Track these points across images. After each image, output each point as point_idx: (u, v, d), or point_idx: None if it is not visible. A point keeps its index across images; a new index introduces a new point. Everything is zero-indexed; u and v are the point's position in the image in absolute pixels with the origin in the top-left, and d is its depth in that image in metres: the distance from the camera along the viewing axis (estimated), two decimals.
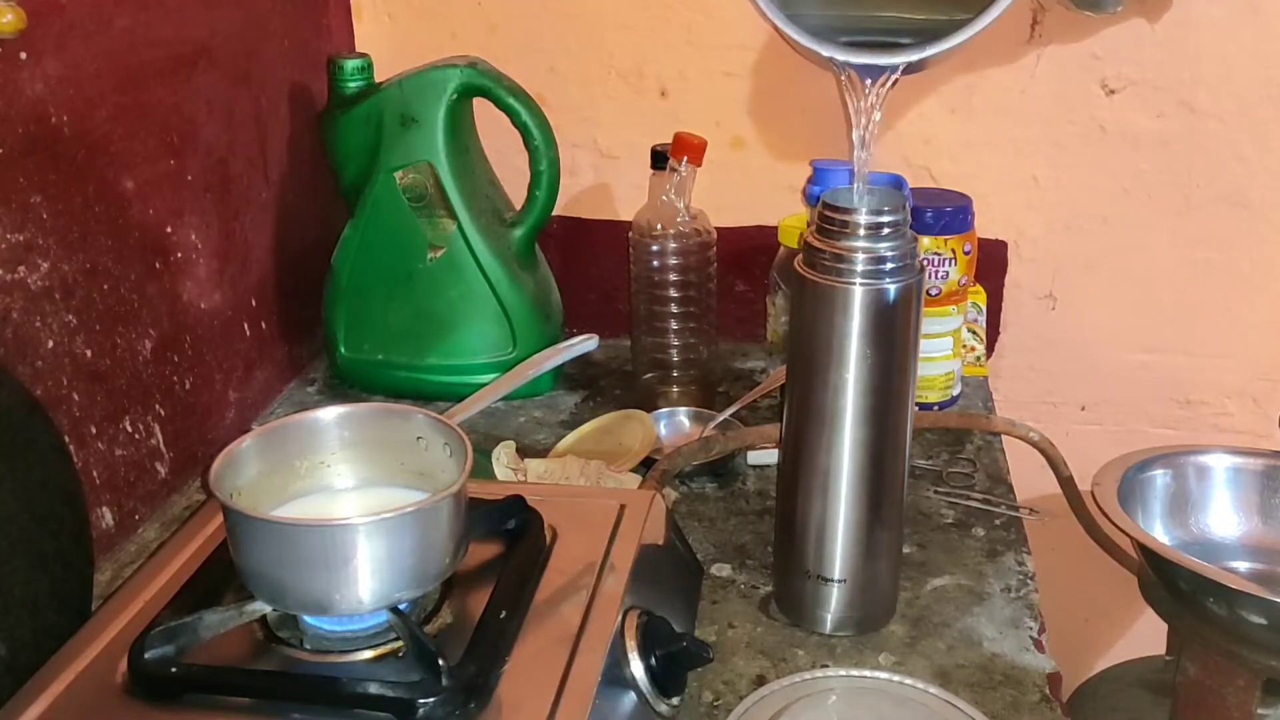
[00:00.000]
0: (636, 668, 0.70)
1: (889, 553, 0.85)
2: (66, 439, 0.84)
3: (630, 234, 1.15)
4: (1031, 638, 0.85)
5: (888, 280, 0.76)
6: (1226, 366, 1.32)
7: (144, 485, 0.99)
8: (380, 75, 1.19)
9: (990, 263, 1.28)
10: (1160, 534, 1.02)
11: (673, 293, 1.14)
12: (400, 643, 0.67)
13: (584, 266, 1.36)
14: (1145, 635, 1.29)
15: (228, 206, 1.12)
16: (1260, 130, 1.22)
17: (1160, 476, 1.04)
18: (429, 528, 0.68)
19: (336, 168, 1.21)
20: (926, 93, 1.26)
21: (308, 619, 0.69)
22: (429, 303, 1.19)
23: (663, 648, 0.71)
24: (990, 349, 1.33)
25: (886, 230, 0.76)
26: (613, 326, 1.30)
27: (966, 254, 1.15)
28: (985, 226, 1.24)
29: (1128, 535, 0.94)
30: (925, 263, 0.82)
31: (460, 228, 1.16)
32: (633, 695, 0.70)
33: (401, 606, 0.68)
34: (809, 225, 0.80)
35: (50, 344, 0.86)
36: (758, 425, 1.09)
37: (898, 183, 1.18)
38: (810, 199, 1.20)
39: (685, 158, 1.10)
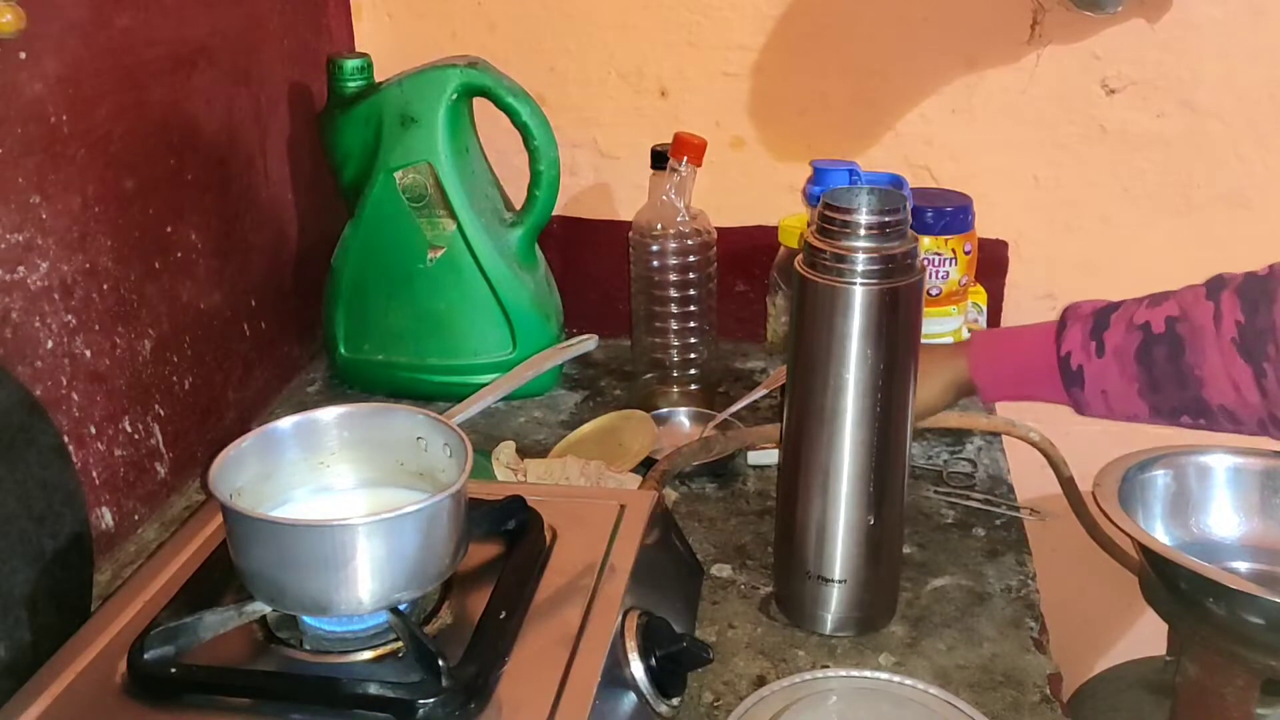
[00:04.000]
0: (636, 668, 0.70)
1: (889, 553, 0.85)
2: (66, 439, 0.84)
3: (630, 234, 1.15)
4: (1032, 638, 0.85)
5: (888, 280, 0.76)
6: None
7: (144, 485, 0.99)
8: (380, 75, 1.19)
9: (991, 263, 1.28)
10: (1161, 534, 1.02)
11: (673, 293, 1.14)
12: (400, 643, 0.67)
13: (584, 266, 1.36)
14: (1145, 636, 1.29)
15: (228, 206, 1.12)
16: (1260, 130, 1.22)
17: (1161, 477, 1.03)
18: (429, 528, 0.67)
19: (336, 168, 1.21)
20: (927, 93, 1.26)
21: (307, 619, 0.69)
22: (429, 303, 1.19)
23: (663, 648, 0.71)
24: None
25: (887, 230, 0.76)
26: (613, 326, 1.30)
27: (967, 254, 1.15)
28: (986, 226, 1.24)
29: (1128, 536, 0.94)
30: (926, 263, 0.82)
31: (460, 228, 1.16)
32: (633, 696, 0.70)
33: (401, 607, 0.68)
34: (809, 225, 0.80)
35: (50, 344, 0.86)
36: (758, 425, 1.09)
37: (898, 183, 1.18)
38: (810, 199, 1.20)
39: (685, 158, 1.10)
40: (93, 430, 0.92)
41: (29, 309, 0.84)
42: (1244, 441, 0.94)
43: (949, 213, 1.13)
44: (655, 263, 1.14)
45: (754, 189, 1.31)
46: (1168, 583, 0.95)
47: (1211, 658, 0.91)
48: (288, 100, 1.22)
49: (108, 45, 0.91)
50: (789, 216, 1.25)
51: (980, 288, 1.24)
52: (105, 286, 0.93)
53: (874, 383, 0.78)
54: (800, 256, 0.79)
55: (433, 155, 1.15)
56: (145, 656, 0.66)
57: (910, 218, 0.78)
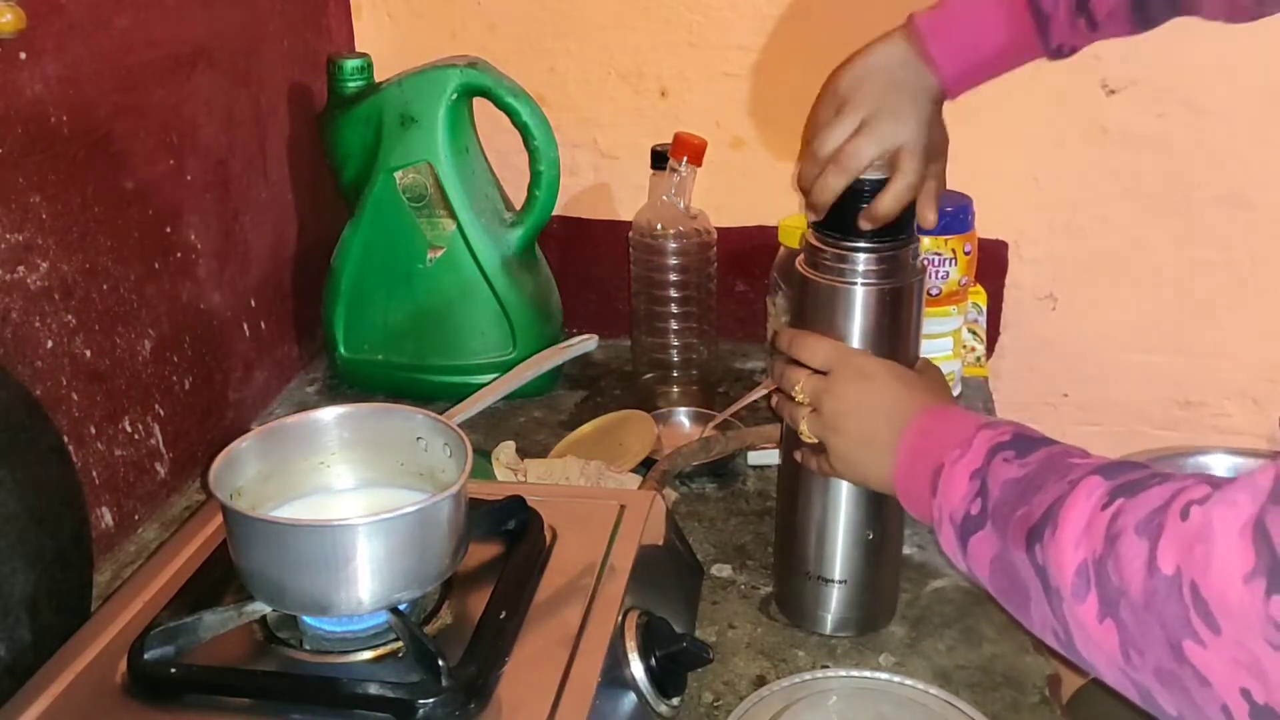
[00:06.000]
0: (636, 668, 0.70)
1: (889, 553, 0.85)
2: (66, 439, 0.84)
3: (630, 234, 1.15)
4: (1032, 639, 0.85)
5: (889, 280, 0.76)
6: (1226, 367, 1.31)
7: (143, 485, 0.99)
8: (380, 75, 1.19)
9: (991, 263, 1.28)
10: None
11: (673, 293, 1.14)
12: (400, 643, 0.67)
13: (584, 266, 1.36)
14: None
15: (228, 206, 1.12)
16: (1260, 130, 1.21)
17: None
18: (429, 528, 0.68)
19: (336, 168, 1.21)
20: None
21: (307, 619, 0.69)
22: (429, 303, 1.19)
23: (663, 648, 0.71)
24: (990, 349, 1.33)
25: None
26: (613, 326, 1.30)
27: (967, 254, 1.15)
28: (986, 227, 1.24)
29: None
30: (926, 263, 0.82)
31: (460, 228, 1.16)
32: (633, 696, 0.70)
33: (401, 607, 0.68)
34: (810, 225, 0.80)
35: (50, 344, 0.86)
36: (758, 425, 1.09)
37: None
38: None
39: (685, 158, 1.10)
40: (93, 430, 0.92)
41: (29, 309, 0.84)
42: (1243, 442, 0.94)
43: (949, 213, 1.13)
44: (655, 262, 1.14)
45: (754, 189, 1.31)
46: None
47: None
48: (288, 100, 1.22)
49: (108, 45, 0.91)
50: (789, 216, 1.25)
51: (980, 288, 1.24)
52: (105, 286, 0.93)
53: None
54: (801, 256, 0.79)
55: (433, 155, 1.15)
56: (145, 656, 0.66)
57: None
